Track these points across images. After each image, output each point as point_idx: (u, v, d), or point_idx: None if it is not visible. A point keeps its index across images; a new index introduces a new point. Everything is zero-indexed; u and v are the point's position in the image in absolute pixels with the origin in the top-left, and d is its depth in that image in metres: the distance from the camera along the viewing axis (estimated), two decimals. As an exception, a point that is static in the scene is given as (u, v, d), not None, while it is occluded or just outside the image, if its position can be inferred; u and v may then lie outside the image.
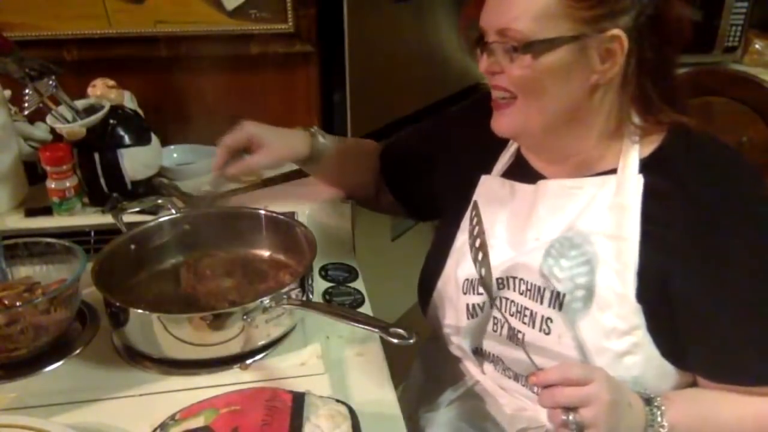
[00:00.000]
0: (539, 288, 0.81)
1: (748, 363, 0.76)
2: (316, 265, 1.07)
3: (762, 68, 2.16)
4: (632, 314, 0.76)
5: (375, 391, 0.83)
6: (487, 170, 0.94)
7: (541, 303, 0.81)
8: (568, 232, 0.81)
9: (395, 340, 0.72)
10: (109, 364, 0.85)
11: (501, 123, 0.83)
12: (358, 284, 1.06)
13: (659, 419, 0.72)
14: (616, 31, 0.74)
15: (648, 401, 0.73)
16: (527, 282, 0.82)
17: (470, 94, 1.97)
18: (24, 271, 0.93)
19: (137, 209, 1.04)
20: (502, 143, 0.94)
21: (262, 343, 0.85)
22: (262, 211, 1.03)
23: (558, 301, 0.79)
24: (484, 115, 0.86)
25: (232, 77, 1.42)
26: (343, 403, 0.71)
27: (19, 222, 1.15)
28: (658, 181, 0.78)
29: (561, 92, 0.78)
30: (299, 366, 0.84)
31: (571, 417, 0.68)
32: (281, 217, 1.02)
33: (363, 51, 1.48)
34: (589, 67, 0.76)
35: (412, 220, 1.20)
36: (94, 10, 1.29)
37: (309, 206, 1.20)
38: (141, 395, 0.80)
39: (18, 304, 0.83)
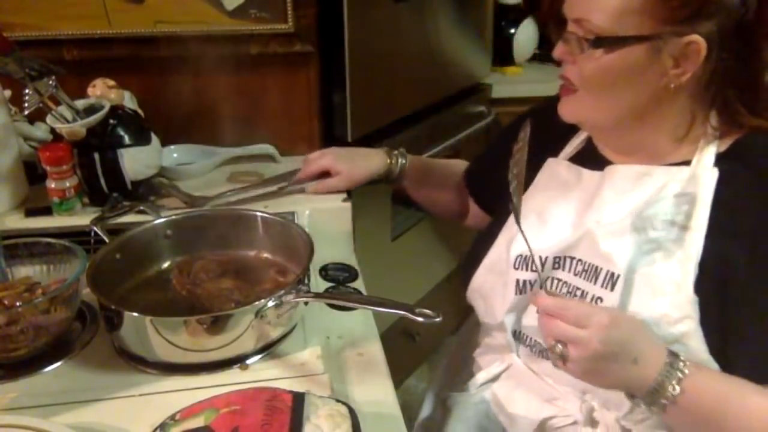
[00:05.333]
0: (595, 268, 0.80)
1: None
2: (316, 266, 1.07)
3: (762, 68, 2.16)
4: (687, 304, 0.75)
5: (375, 391, 0.83)
6: (555, 153, 0.94)
7: (595, 283, 0.80)
8: (631, 216, 0.80)
9: (421, 319, 0.73)
10: (109, 364, 0.85)
11: (566, 109, 0.84)
12: (358, 284, 1.06)
13: (673, 382, 0.70)
14: (694, 37, 0.72)
15: (671, 363, 0.71)
16: (584, 262, 0.82)
17: (470, 94, 1.98)
18: (24, 271, 0.93)
19: (117, 220, 1.03)
20: (573, 129, 0.93)
21: (263, 343, 0.85)
22: (258, 213, 1.03)
23: (611, 281, 0.79)
24: (551, 107, 0.87)
25: (232, 77, 1.41)
26: (343, 403, 0.71)
27: (19, 222, 1.15)
28: (734, 171, 0.77)
29: (627, 91, 0.77)
30: (299, 366, 0.84)
31: (558, 347, 0.71)
32: (275, 218, 1.02)
33: (363, 51, 1.47)
34: (660, 70, 0.75)
35: None
36: (94, 10, 1.29)
37: (309, 207, 1.20)
38: (141, 395, 0.79)
39: (18, 304, 0.83)
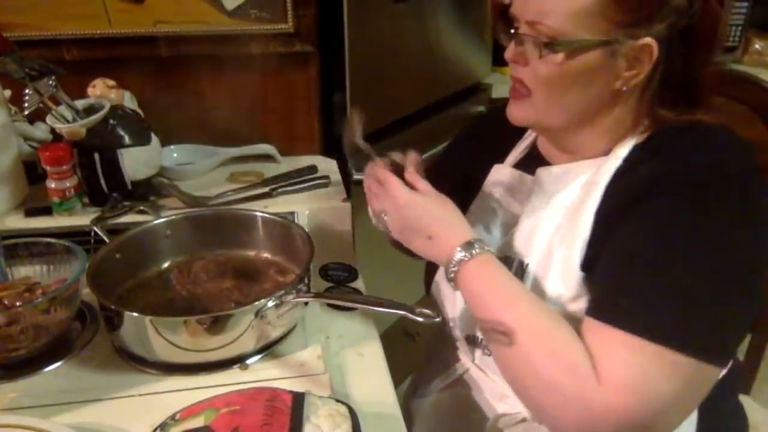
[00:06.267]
0: (510, 260, 0.84)
1: (627, 309, 0.70)
2: (316, 266, 1.07)
3: (762, 68, 2.17)
4: (577, 283, 0.77)
5: (375, 391, 0.83)
6: (501, 160, 0.95)
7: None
8: (548, 209, 0.83)
9: (421, 319, 0.73)
10: (109, 364, 0.85)
11: (517, 112, 0.83)
12: (358, 284, 1.06)
13: (454, 263, 0.77)
14: (647, 40, 0.72)
15: (466, 248, 0.76)
16: (509, 258, 0.85)
17: (470, 94, 1.98)
18: (24, 271, 0.93)
19: (117, 220, 1.03)
20: (518, 134, 0.94)
21: (263, 343, 0.85)
22: (258, 213, 1.03)
23: (521, 269, 0.82)
24: (499, 113, 0.87)
25: (232, 77, 1.42)
26: (343, 403, 0.71)
27: (19, 222, 1.15)
28: (639, 157, 0.78)
29: (582, 94, 0.78)
30: (299, 366, 0.84)
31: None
32: (275, 218, 1.02)
33: (363, 51, 1.47)
34: (614, 73, 0.75)
35: None
36: (94, 10, 1.29)
37: (309, 207, 1.20)
38: (141, 395, 0.80)
39: (18, 304, 0.84)
